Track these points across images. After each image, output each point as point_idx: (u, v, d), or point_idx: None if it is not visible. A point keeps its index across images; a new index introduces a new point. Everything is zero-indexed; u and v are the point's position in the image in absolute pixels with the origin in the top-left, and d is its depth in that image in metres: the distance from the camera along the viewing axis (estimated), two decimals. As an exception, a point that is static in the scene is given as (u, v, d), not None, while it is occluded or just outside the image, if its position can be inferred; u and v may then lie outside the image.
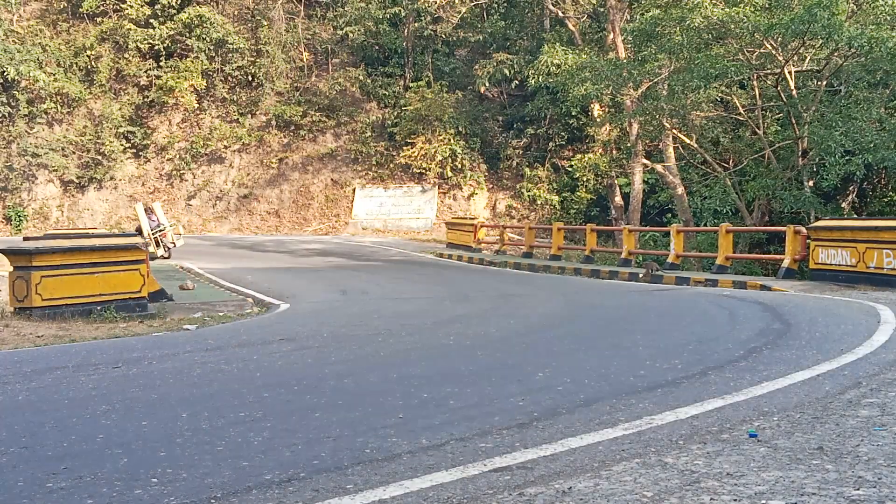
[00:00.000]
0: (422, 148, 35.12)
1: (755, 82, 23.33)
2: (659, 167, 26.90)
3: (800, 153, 21.92)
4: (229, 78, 37.37)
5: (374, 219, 35.29)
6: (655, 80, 24.58)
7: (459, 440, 4.45)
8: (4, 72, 32.84)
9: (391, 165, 36.19)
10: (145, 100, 36.84)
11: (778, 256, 17.34)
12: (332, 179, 36.66)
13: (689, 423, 4.74)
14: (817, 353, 6.97)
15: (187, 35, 36.11)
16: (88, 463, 4.16)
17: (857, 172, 21.01)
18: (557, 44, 29.66)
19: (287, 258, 23.49)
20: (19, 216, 34.15)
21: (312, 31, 38.94)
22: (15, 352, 8.45)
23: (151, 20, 36.14)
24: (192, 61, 36.08)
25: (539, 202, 34.27)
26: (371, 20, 36.55)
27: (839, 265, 14.18)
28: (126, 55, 36.48)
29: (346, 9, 37.83)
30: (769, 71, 22.44)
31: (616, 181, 31.68)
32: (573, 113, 33.15)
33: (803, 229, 15.64)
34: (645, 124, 26.45)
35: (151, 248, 20.38)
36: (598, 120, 31.60)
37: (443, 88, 35.73)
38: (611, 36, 29.16)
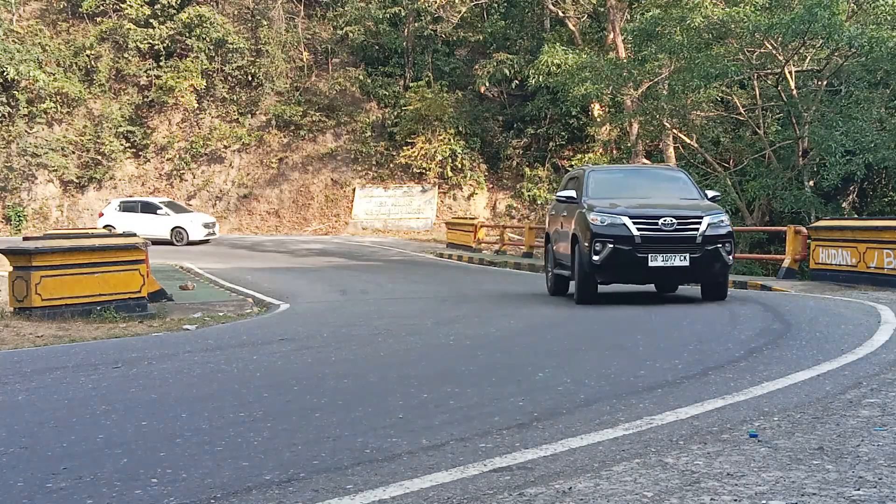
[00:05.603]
0: (422, 148, 35.10)
1: (755, 82, 23.33)
2: (659, 167, 26.90)
3: (800, 153, 21.92)
4: (229, 78, 37.34)
5: (374, 219, 35.27)
6: (655, 79, 24.58)
7: (459, 440, 4.44)
8: (4, 72, 32.82)
9: (391, 165, 36.17)
10: (145, 100, 36.82)
11: (778, 256, 17.33)
12: (332, 179, 36.64)
13: (689, 423, 4.72)
14: (818, 353, 6.95)
15: (187, 35, 36.09)
16: (88, 463, 4.15)
17: (857, 172, 21.01)
18: (557, 44, 29.64)
19: (287, 258, 23.48)
20: (19, 216, 34.14)
21: (312, 31, 38.91)
22: (15, 352, 8.44)
23: (151, 20, 36.12)
24: (192, 61, 36.06)
25: (539, 202, 34.24)
26: (371, 20, 36.54)
27: (840, 265, 14.16)
28: (126, 55, 36.46)
29: (346, 9, 37.80)
30: (769, 71, 22.44)
31: (616, 181, 31.61)
32: (573, 113, 33.12)
33: (804, 229, 15.62)
34: (645, 124, 26.44)
35: None
36: (598, 120, 31.59)
37: (443, 88, 35.69)
38: (611, 36, 29.17)
